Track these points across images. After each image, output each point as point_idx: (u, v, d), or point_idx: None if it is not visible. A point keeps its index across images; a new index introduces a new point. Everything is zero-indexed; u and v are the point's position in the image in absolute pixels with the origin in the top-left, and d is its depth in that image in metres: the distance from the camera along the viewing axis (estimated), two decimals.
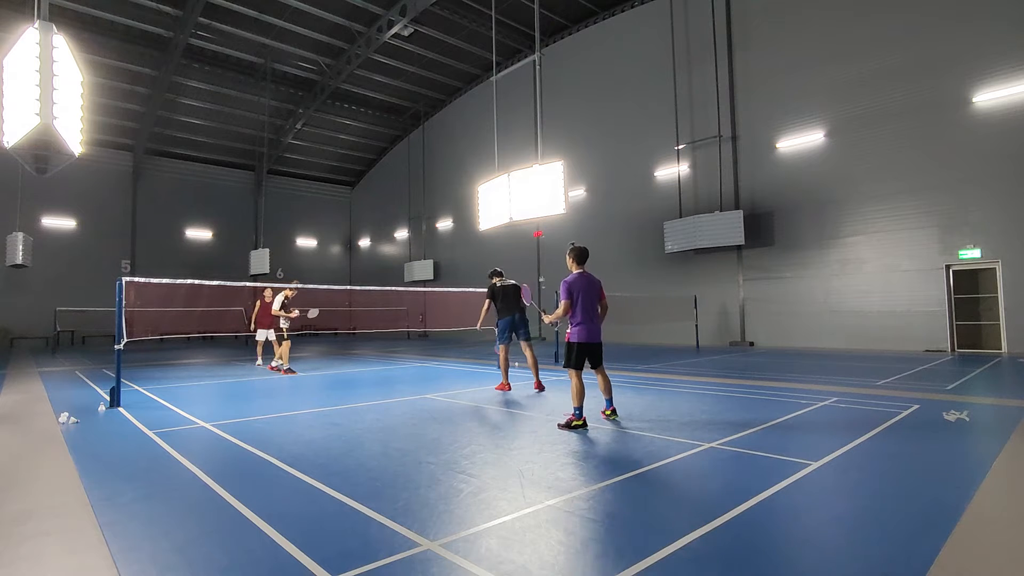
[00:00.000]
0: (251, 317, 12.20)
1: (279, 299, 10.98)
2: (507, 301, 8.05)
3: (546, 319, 6.07)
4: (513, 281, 8.27)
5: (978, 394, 7.12)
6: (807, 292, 16.01)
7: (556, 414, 6.03)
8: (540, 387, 7.89)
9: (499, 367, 8.27)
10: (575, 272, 5.68)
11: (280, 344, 11.13)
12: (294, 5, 19.40)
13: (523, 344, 8.13)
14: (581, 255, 5.76)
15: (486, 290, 8.27)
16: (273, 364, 11.18)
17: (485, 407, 6.66)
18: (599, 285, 5.73)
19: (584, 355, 5.51)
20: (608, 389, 5.69)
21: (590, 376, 5.65)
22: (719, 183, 17.62)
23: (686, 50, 18.64)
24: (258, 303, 12.04)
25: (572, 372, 5.47)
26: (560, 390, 7.90)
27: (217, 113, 26.45)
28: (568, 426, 5.29)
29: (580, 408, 5.33)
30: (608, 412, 5.67)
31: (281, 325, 11.04)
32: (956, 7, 13.60)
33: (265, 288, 11.93)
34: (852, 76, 15.19)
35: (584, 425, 5.30)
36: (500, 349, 8.10)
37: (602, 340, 5.67)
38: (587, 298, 5.54)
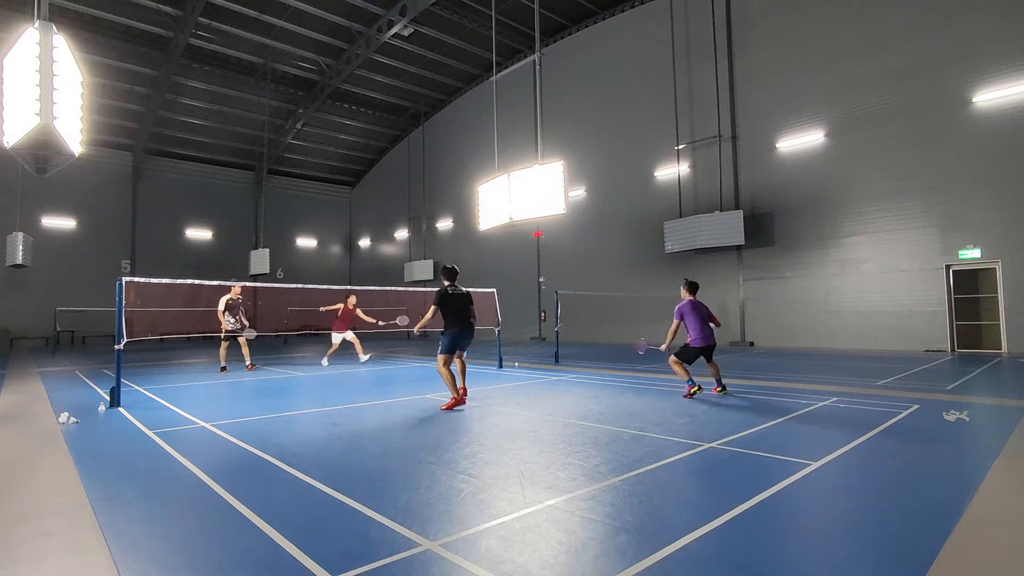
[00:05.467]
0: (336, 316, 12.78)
1: (221, 302, 11.27)
2: (455, 313, 6.75)
3: (663, 348, 7.41)
4: (465, 289, 7.03)
5: (978, 394, 7.12)
6: (807, 292, 16.00)
7: (556, 414, 6.03)
8: (464, 393, 6.84)
9: (444, 380, 6.66)
10: (688, 299, 7.50)
11: (224, 345, 11.53)
12: (294, 5, 19.40)
13: (458, 355, 7.02)
14: (692, 287, 7.60)
15: (437, 294, 6.86)
16: (363, 358, 12.72)
17: (485, 407, 6.66)
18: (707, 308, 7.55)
19: (699, 354, 7.31)
20: (716, 371, 7.51)
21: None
22: (719, 183, 17.62)
23: (686, 50, 18.64)
24: (340, 307, 12.61)
25: (678, 362, 7.29)
26: (560, 390, 7.90)
27: (217, 113, 26.45)
28: (691, 395, 7.06)
29: (692, 379, 7.18)
30: (719, 389, 7.39)
31: (225, 327, 11.20)
32: (956, 7, 13.60)
33: (350, 295, 12.66)
34: (852, 76, 15.19)
35: (700, 389, 7.14)
36: (440, 361, 6.63)
37: (714, 343, 7.38)
38: (699, 316, 7.38)
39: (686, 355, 7.27)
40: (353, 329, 12.76)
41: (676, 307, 7.40)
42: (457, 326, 6.74)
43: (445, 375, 6.62)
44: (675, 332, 7.24)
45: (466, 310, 6.87)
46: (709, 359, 7.37)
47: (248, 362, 11.78)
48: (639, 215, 19.80)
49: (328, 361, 13.00)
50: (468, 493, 3.40)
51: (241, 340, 11.68)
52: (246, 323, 11.62)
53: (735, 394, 7.34)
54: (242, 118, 26.93)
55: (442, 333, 6.78)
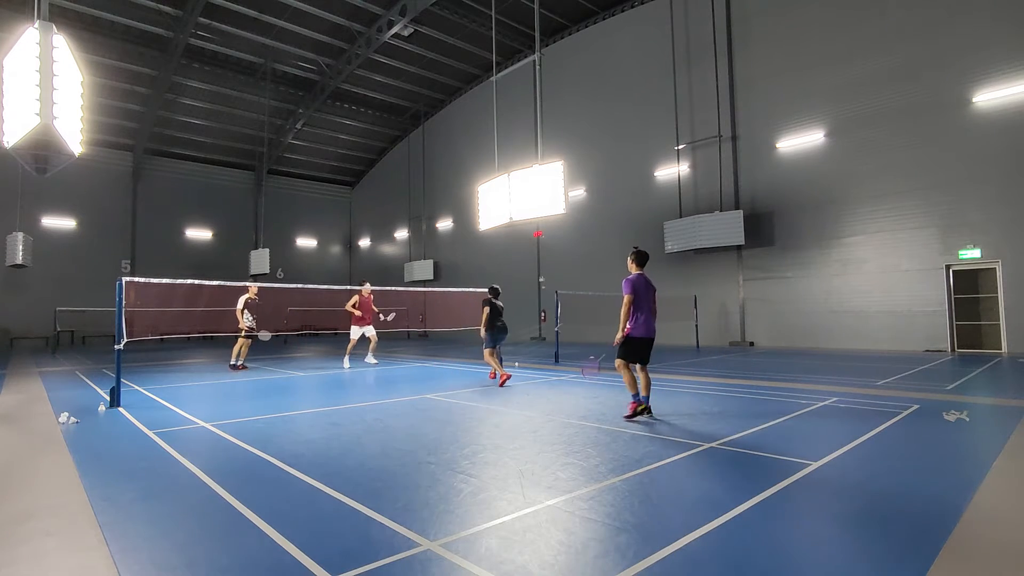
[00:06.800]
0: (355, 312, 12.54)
1: (241, 301, 11.40)
2: (497, 318, 9.42)
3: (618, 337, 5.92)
4: (501, 303, 9.63)
5: (978, 394, 7.12)
6: (807, 292, 16.01)
7: (556, 414, 6.03)
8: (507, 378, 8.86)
9: (492, 365, 9.27)
10: (636, 272, 5.96)
11: (239, 343, 11.71)
12: (294, 5, 19.40)
13: (497, 349, 9.52)
14: (641, 258, 6.02)
15: (484, 301, 9.45)
16: (371, 359, 12.63)
17: (485, 407, 6.66)
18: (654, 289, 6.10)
19: (647, 349, 5.82)
20: (648, 387, 5.79)
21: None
22: (719, 183, 17.62)
23: (686, 50, 18.63)
24: (356, 299, 12.38)
25: (623, 364, 5.78)
26: (559, 389, 7.90)
27: (217, 113, 26.45)
28: (634, 415, 5.63)
29: (637, 393, 5.69)
30: (642, 408, 5.79)
31: (242, 324, 11.36)
32: (956, 7, 13.60)
33: (363, 282, 12.60)
34: (852, 76, 15.19)
35: (648, 410, 5.68)
36: (487, 352, 9.26)
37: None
38: (648, 298, 5.92)
39: (630, 351, 5.75)
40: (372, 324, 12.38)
41: (626, 280, 5.79)
42: (499, 330, 9.38)
43: (493, 361, 9.16)
44: (629, 312, 5.71)
45: (501, 317, 9.47)
46: (645, 364, 5.82)
47: (241, 361, 11.91)
48: (639, 215, 19.80)
49: (349, 361, 12.19)
50: (468, 493, 3.40)
51: (247, 340, 11.77)
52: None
53: (735, 394, 7.33)
54: (242, 118, 26.93)
55: (488, 334, 9.29)
